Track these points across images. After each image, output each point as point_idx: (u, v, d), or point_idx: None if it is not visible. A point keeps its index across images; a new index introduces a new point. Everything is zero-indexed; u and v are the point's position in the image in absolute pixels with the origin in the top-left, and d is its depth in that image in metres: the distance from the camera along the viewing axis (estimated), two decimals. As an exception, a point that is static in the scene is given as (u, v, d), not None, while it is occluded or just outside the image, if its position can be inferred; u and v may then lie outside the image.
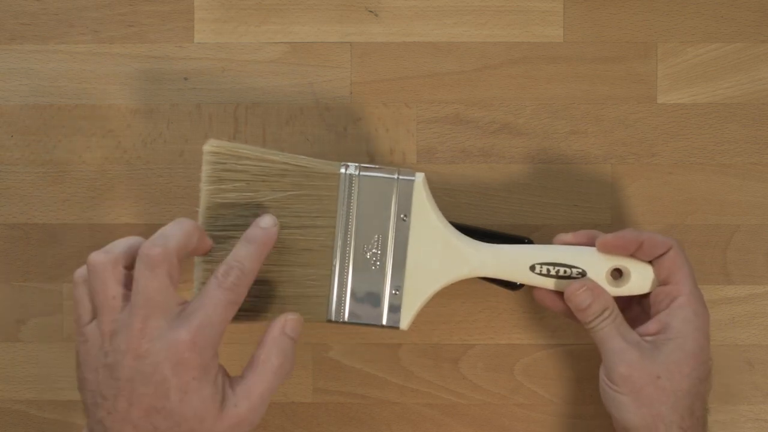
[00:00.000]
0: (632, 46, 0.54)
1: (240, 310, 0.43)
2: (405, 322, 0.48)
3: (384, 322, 0.47)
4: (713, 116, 0.54)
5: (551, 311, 0.50)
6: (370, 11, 0.54)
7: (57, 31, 0.54)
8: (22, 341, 0.54)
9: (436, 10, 0.54)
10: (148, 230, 0.54)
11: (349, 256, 0.47)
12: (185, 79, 0.54)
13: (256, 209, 0.46)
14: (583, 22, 0.54)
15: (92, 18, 0.54)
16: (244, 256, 0.43)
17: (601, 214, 0.54)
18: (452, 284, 0.48)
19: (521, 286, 0.50)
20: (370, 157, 0.54)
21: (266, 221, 0.45)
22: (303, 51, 0.54)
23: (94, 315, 0.42)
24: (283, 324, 0.44)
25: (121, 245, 0.42)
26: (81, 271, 0.42)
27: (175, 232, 0.42)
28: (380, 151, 0.54)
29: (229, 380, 0.42)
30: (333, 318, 0.47)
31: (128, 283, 0.42)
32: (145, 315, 0.40)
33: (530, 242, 0.51)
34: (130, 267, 0.42)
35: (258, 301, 0.46)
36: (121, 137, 0.54)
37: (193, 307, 0.41)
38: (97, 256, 0.41)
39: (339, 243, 0.47)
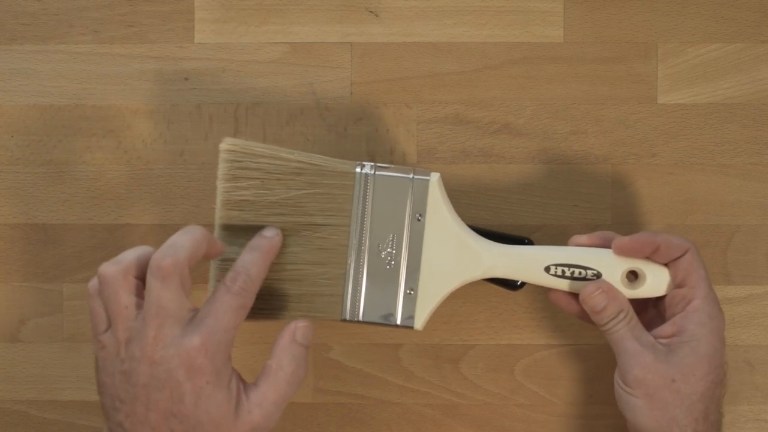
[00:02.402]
0: (632, 46, 0.54)
1: (255, 308, 0.43)
2: (419, 322, 0.47)
3: (399, 321, 0.47)
4: (713, 116, 0.54)
5: (565, 313, 0.50)
6: (371, 11, 0.54)
7: (57, 31, 0.54)
8: (22, 341, 0.54)
9: (437, 11, 0.54)
10: (148, 231, 0.54)
11: (363, 255, 0.47)
12: (185, 79, 0.54)
13: (272, 208, 0.46)
14: (583, 22, 0.54)
15: (92, 18, 0.54)
16: (250, 262, 0.44)
17: (601, 215, 0.54)
18: (454, 284, 0.48)
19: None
20: (370, 157, 0.54)
21: (270, 231, 0.46)
22: (303, 51, 0.54)
23: (110, 324, 0.42)
24: (293, 331, 0.44)
25: (130, 255, 0.43)
26: (94, 283, 0.43)
27: (185, 241, 0.42)
28: (380, 151, 0.54)
29: (244, 386, 0.43)
30: (348, 317, 0.47)
31: (139, 293, 0.42)
32: (158, 324, 0.41)
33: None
34: (140, 276, 0.42)
35: (273, 300, 0.47)
36: (122, 137, 0.54)
37: (203, 314, 0.42)
38: (107, 268, 0.42)
39: (354, 242, 0.47)
